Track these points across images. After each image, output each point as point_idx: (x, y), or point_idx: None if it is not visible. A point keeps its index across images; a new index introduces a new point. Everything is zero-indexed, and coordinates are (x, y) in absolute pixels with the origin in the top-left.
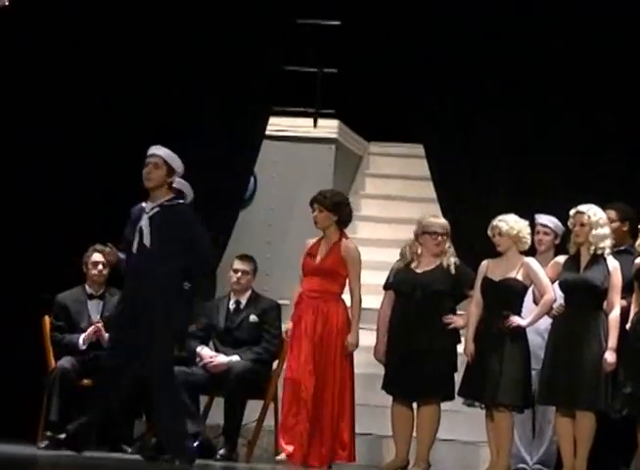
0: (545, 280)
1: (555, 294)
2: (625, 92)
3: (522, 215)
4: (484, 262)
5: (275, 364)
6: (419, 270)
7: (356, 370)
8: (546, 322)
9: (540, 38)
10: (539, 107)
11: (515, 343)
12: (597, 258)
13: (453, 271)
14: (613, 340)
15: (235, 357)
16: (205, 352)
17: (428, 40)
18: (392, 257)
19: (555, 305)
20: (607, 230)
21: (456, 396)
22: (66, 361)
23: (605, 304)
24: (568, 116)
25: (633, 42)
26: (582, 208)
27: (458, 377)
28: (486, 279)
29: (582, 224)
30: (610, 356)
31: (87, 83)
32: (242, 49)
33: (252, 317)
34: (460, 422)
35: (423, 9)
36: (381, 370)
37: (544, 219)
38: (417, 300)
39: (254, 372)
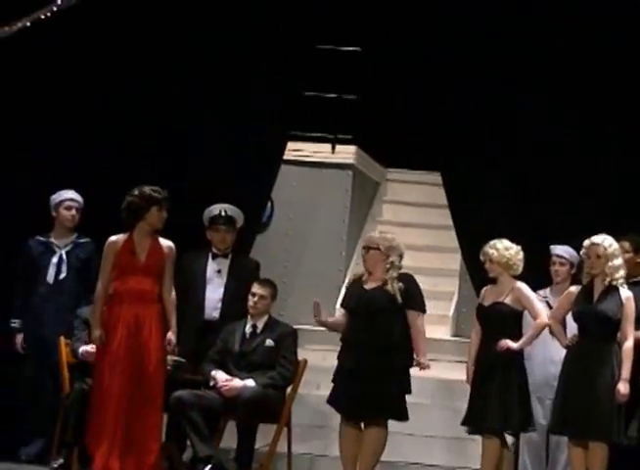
0: (537, 304)
1: (566, 323)
2: (625, 92)
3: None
4: (483, 290)
5: (289, 389)
6: (367, 287)
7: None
8: (560, 353)
9: (540, 38)
10: (539, 107)
11: (508, 367)
12: (610, 289)
13: (400, 299)
14: (626, 370)
15: (249, 381)
16: (220, 375)
17: (428, 40)
18: None
19: (569, 336)
20: (621, 261)
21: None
22: (84, 383)
23: (618, 334)
24: (567, 115)
25: (633, 42)
26: (596, 239)
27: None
28: (480, 306)
29: (598, 256)
30: (622, 387)
31: (87, 83)
32: (259, 74)
33: (269, 342)
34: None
35: (422, 9)
36: None
37: (559, 250)
38: (361, 318)
39: (266, 397)
